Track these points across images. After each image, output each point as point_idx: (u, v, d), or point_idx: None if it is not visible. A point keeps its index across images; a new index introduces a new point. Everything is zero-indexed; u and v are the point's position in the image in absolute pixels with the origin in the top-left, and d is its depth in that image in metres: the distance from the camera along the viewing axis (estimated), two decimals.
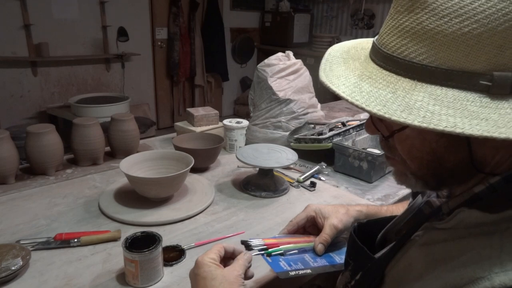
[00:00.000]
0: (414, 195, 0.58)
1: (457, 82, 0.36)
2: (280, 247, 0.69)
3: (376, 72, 0.42)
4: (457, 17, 0.35)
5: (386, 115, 0.37)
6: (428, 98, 0.37)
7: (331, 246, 0.73)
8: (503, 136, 0.34)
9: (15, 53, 3.40)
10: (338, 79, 0.44)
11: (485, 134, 0.34)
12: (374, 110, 0.38)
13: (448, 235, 0.42)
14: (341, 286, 0.58)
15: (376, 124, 0.48)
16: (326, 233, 0.73)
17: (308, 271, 0.65)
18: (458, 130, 0.34)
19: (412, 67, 0.38)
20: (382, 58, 0.42)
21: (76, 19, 3.69)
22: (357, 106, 0.40)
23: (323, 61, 0.49)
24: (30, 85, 3.58)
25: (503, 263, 0.35)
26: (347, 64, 0.46)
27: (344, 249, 0.67)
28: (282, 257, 0.68)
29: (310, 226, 0.79)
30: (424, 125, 0.35)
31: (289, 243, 0.72)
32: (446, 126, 0.35)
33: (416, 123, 0.36)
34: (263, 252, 0.67)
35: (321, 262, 0.70)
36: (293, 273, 0.63)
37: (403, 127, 0.42)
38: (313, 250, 0.73)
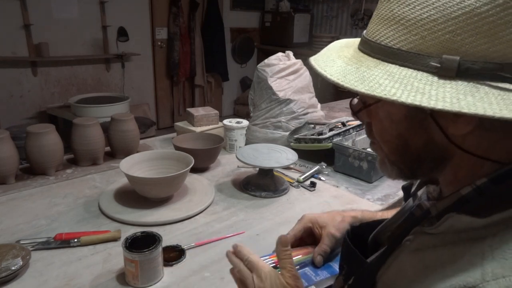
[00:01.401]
0: (406, 197, 0.58)
1: (412, 63, 0.40)
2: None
3: (354, 54, 0.46)
4: (420, 4, 0.39)
5: (340, 82, 0.42)
6: (383, 74, 0.41)
7: (329, 254, 0.74)
8: (430, 105, 0.36)
9: (15, 53, 3.40)
10: (322, 58, 0.49)
11: (416, 103, 0.37)
12: (333, 78, 0.43)
13: (438, 240, 0.43)
14: None
15: (358, 108, 0.51)
16: (325, 244, 0.73)
17: (313, 287, 0.66)
18: (393, 98, 0.37)
19: (380, 49, 0.42)
20: (362, 43, 0.46)
21: (76, 19, 3.69)
22: (321, 74, 0.44)
23: (324, 49, 0.53)
24: (30, 85, 3.58)
25: (494, 271, 0.35)
26: (340, 50, 0.50)
27: None
28: None
29: (307, 236, 0.79)
30: (368, 92, 0.39)
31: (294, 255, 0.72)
32: (385, 94, 0.38)
33: (362, 90, 0.40)
34: None
35: (323, 274, 0.70)
36: None
37: (369, 104, 0.46)
38: (312, 263, 0.73)
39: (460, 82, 0.37)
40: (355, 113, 0.50)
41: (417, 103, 0.37)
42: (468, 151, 0.42)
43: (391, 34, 0.41)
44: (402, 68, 0.40)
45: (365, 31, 0.47)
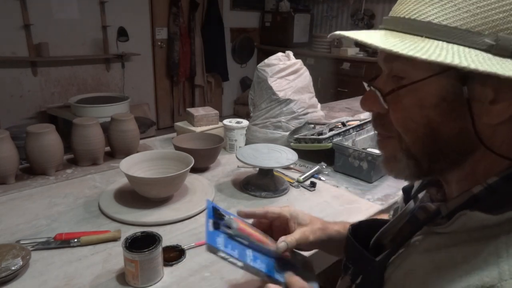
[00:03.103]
0: (406, 199, 0.57)
1: (462, 40, 0.38)
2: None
3: (387, 33, 0.43)
4: None
5: (394, 49, 0.38)
6: (434, 47, 0.38)
7: (281, 261, 0.65)
8: (507, 74, 0.35)
9: (15, 53, 3.40)
10: (353, 34, 0.45)
11: (489, 69, 0.35)
12: (382, 46, 0.39)
13: (450, 240, 0.42)
14: None
15: (373, 98, 0.47)
16: (294, 236, 0.65)
17: (239, 263, 0.58)
18: (464, 64, 0.35)
19: (423, 26, 0.40)
20: (394, 23, 0.43)
21: (76, 19, 3.69)
22: (365, 43, 0.41)
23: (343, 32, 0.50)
24: (30, 85, 3.58)
25: (511, 269, 0.35)
26: (364, 32, 0.47)
27: (290, 273, 0.60)
28: (225, 236, 0.61)
29: (278, 226, 0.71)
30: (432, 58, 0.36)
31: (248, 233, 0.64)
32: (452, 61, 0.36)
33: (422, 56, 0.37)
34: (214, 219, 0.61)
35: (259, 265, 0.60)
36: (222, 254, 0.56)
37: (402, 85, 0.43)
38: (257, 251, 0.63)
39: None
40: (384, 96, 0.45)
41: (489, 70, 0.35)
42: (491, 148, 0.41)
43: (436, 11, 0.40)
44: (451, 44, 0.38)
45: (393, 13, 0.45)
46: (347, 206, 1.05)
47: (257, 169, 1.14)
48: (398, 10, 0.44)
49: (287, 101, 1.42)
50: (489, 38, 0.37)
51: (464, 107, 0.40)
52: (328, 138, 1.27)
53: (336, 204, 1.05)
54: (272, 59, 1.48)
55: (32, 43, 3.45)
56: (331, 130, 1.37)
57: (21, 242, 0.81)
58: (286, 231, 0.69)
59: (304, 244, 0.66)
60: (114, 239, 0.84)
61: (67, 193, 1.06)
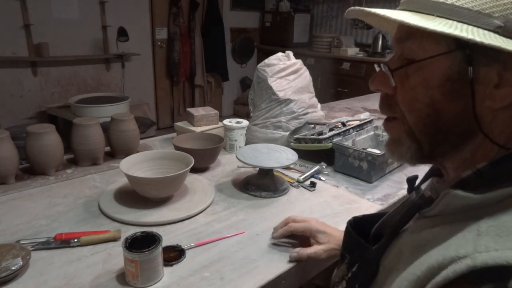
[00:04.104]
0: (409, 190, 0.58)
1: (471, 21, 0.39)
2: None
3: (397, 12, 0.45)
4: None
5: (406, 20, 0.40)
6: (444, 24, 0.40)
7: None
8: (510, 48, 0.36)
9: (15, 53, 3.40)
10: (365, 11, 0.47)
11: (493, 43, 0.36)
12: (394, 16, 0.41)
13: (435, 221, 0.43)
14: (337, 279, 0.58)
15: (382, 77, 0.49)
16: (307, 251, 0.78)
17: None
18: (469, 36, 0.37)
19: (434, 5, 0.42)
20: (406, 2, 0.45)
21: (76, 19, 3.69)
22: (378, 14, 0.42)
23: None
24: (30, 85, 3.58)
25: (487, 244, 0.36)
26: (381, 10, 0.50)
27: None
28: None
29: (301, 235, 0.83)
30: (440, 29, 0.38)
31: None
32: (459, 34, 0.37)
33: (432, 27, 0.38)
34: None
35: None
36: None
37: (410, 61, 0.44)
38: None
39: None
40: (392, 71, 0.47)
41: (493, 43, 0.36)
42: (489, 135, 0.42)
43: None
44: (460, 23, 0.40)
45: None
46: (347, 206, 1.05)
47: (257, 169, 1.14)
48: None
49: (287, 101, 1.42)
50: (498, 20, 0.38)
51: (468, 88, 0.41)
52: (328, 138, 1.27)
53: (336, 204, 1.06)
54: (272, 59, 1.48)
55: (32, 43, 3.45)
56: (331, 130, 1.37)
57: (21, 242, 0.81)
58: (305, 238, 0.82)
59: (316, 260, 0.77)
60: (114, 239, 0.84)
61: (67, 193, 1.06)
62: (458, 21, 0.40)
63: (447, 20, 0.40)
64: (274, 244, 0.85)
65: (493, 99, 0.40)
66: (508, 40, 0.38)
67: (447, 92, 0.42)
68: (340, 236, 0.76)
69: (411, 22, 0.40)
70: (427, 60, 0.43)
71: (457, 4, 0.40)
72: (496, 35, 0.38)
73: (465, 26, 0.39)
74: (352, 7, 0.47)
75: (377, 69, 0.51)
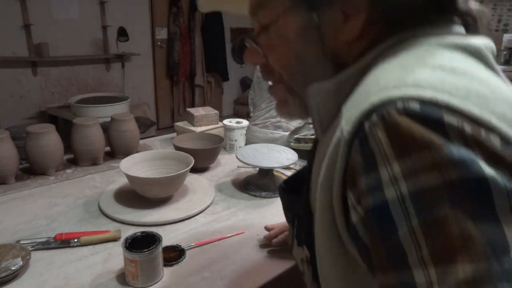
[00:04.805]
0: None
1: None
2: None
3: None
4: None
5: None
6: None
7: None
8: None
9: (15, 53, 3.40)
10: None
11: None
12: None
13: (326, 131, 0.45)
14: (289, 242, 0.59)
15: (251, 51, 0.53)
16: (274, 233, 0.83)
17: None
18: None
19: None
20: None
21: (76, 19, 3.69)
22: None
23: None
24: (30, 85, 3.58)
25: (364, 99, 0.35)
26: None
27: None
28: None
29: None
30: None
31: None
32: None
33: None
34: None
35: None
36: None
37: (264, 25, 0.48)
38: None
39: None
40: (255, 41, 0.51)
41: None
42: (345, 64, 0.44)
43: None
44: None
45: None
46: None
47: (257, 169, 1.14)
48: None
49: None
50: None
51: (318, 32, 0.45)
52: None
53: None
54: None
55: (32, 43, 3.44)
56: None
57: (21, 242, 0.81)
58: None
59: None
60: (114, 239, 0.84)
61: (67, 193, 1.06)
62: None
63: None
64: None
65: (344, 33, 0.43)
66: None
67: (304, 41, 0.46)
68: None
69: None
70: (279, 20, 0.46)
71: None
72: None
73: None
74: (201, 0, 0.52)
75: (248, 45, 0.55)
